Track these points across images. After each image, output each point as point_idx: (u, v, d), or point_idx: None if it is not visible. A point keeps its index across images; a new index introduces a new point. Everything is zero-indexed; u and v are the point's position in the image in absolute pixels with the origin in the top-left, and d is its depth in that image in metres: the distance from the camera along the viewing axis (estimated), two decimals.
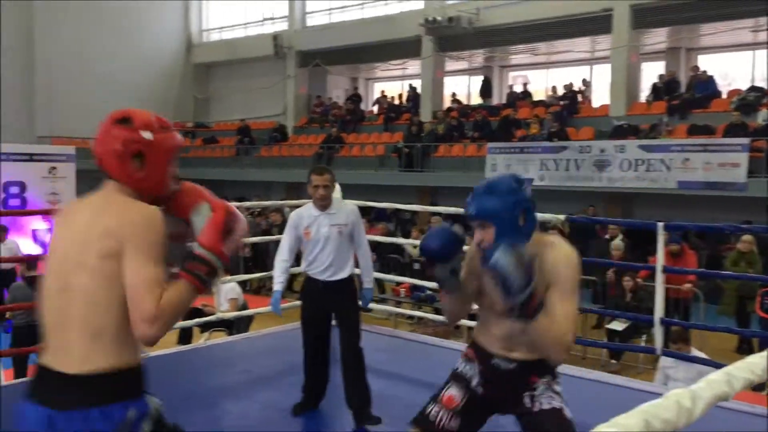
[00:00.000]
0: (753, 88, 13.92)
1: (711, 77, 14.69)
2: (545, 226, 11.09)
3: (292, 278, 7.07)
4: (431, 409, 2.40)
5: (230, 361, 5.24)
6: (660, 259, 4.74)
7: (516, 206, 2.23)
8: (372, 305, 5.06)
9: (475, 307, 2.53)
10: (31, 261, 7.49)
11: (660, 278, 4.71)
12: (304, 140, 20.25)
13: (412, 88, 19.60)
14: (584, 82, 17.21)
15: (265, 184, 19.56)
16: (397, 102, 20.27)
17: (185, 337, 7.26)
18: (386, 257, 11.81)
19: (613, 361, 8.12)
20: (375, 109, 20.83)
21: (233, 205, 2.06)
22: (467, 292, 2.43)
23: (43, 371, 1.90)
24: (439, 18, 16.88)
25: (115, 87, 21.83)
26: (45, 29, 21.13)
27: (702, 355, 5.66)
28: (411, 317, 9.65)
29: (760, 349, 1.69)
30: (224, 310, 6.71)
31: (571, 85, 16.63)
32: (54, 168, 16.71)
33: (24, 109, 20.95)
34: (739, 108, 13.01)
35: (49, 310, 1.92)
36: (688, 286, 8.36)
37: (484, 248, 2.25)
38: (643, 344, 7.83)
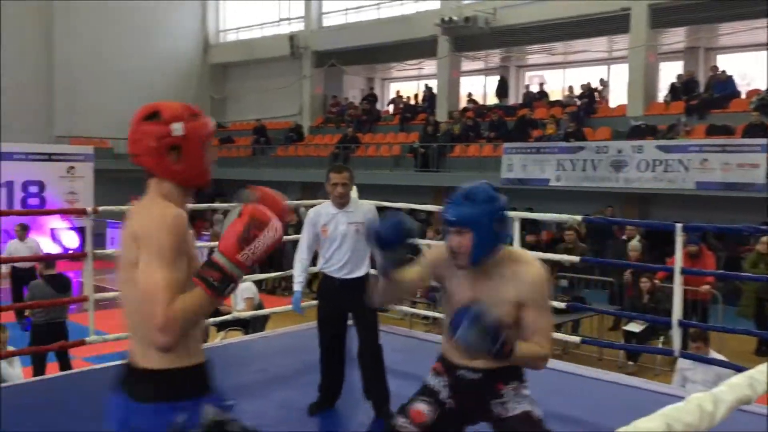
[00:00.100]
0: None
1: (730, 77, 14.56)
2: (561, 227, 11.08)
3: (311, 278, 7.09)
4: (400, 422, 2.41)
5: (246, 360, 5.26)
6: (678, 260, 4.71)
7: (493, 214, 2.30)
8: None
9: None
10: (49, 260, 7.56)
11: (678, 279, 4.67)
12: (320, 140, 20.29)
13: (428, 88, 19.57)
14: (601, 81, 17.11)
15: (281, 184, 19.60)
16: (412, 102, 20.26)
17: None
18: None
19: (630, 363, 8.06)
20: (390, 109, 20.83)
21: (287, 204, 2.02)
22: (404, 287, 2.49)
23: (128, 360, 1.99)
24: (455, 18, 16.84)
25: (132, 87, 21.97)
26: (64, 30, 21.31)
27: (721, 357, 5.61)
28: (426, 317, 9.64)
29: None
30: (240, 310, 6.74)
31: (588, 84, 16.54)
32: (72, 167, 16.88)
33: (43, 110, 21.15)
34: (759, 108, 12.87)
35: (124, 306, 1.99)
36: (706, 287, 8.29)
37: (460, 253, 2.30)
38: (660, 346, 7.78)
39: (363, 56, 20.58)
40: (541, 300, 2.31)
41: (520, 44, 17.87)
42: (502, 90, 18.80)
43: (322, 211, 4.07)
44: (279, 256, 12.78)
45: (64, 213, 13.04)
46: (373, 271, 4.25)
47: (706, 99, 14.23)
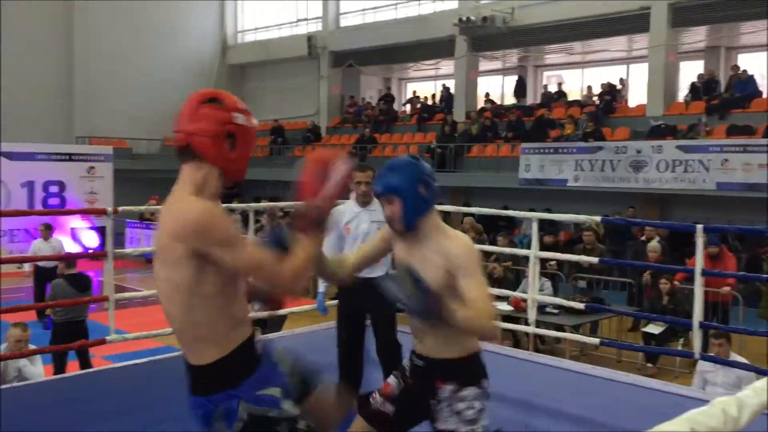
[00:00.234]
0: None
1: (751, 76, 14.40)
2: (580, 227, 11.02)
3: None
4: (374, 393, 2.60)
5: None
6: (699, 261, 4.66)
7: (415, 179, 2.49)
8: None
9: None
10: (70, 259, 7.62)
11: (699, 281, 4.63)
12: (337, 140, 20.32)
13: (446, 88, 19.54)
14: (621, 81, 17.00)
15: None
16: (429, 102, 20.24)
17: None
18: None
19: (649, 365, 7.99)
20: (407, 109, 20.82)
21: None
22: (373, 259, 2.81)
23: None
24: (473, 17, 16.80)
25: (151, 88, 22.19)
26: (84, 32, 21.51)
27: (742, 359, 5.55)
28: None
29: None
30: (257, 309, 6.75)
31: (609, 83, 16.43)
32: (92, 168, 17.03)
33: (63, 110, 21.36)
34: None
35: None
36: (727, 289, 8.21)
37: (394, 220, 2.48)
38: (680, 348, 7.71)
39: (380, 56, 20.59)
40: (470, 268, 2.37)
41: (538, 44, 17.78)
42: (519, 90, 18.73)
43: (345, 209, 4.09)
44: None
45: (84, 213, 13.17)
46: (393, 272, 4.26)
47: (727, 99, 14.10)
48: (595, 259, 6.26)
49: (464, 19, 16.93)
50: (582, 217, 5.79)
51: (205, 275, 1.89)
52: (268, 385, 1.98)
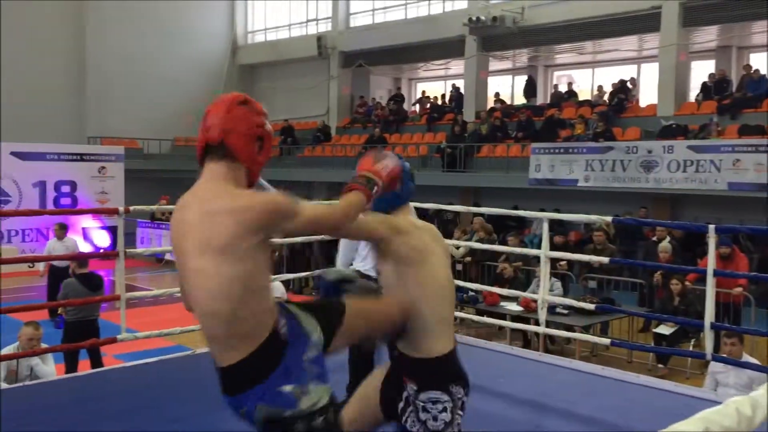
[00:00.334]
0: None
1: (763, 76, 14.31)
2: (590, 228, 10.98)
3: None
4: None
5: None
6: (711, 262, 4.64)
7: None
8: None
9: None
10: (82, 258, 7.67)
11: (711, 282, 4.61)
12: (347, 140, 20.34)
13: (456, 88, 19.52)
14: (632, 81, 16.92)
15: (308, 185, 19.70)
16: (439, 102, 20.22)
17: None
18: None
19: (660, 366, 7.96)
20: (417, 109, 20.81)
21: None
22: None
23: None
24: (483, 17, 16.78)
25: (161, 88, 22.30)
26: (95, 31, 21.62)
27: (754, 360, 5.52)
28: (453, 318, 9.60)
29: None
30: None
31: (620, 82, 16.37)
32: (103, 168, 17.12)
33: (74, 110, 21.48)
34: None
35: None
36: (738, 289, 8.16)
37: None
38: (691, 348, 7.67)
39: (390, 56, 20.59)
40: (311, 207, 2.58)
41: (548, 43, 17.73)
42: (530, 90, 18.68)
43: None
44: (308, 255, 12.85)
45: (96, 212, 13.26)
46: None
47: (739, 98, 14.02)
48: (605, 259, 6.23)
49: (474, 18, 16.91)
50: (593, 217, 5.76)
51: (258, 267, 1.93)
52: (290, 380, 1.98)
